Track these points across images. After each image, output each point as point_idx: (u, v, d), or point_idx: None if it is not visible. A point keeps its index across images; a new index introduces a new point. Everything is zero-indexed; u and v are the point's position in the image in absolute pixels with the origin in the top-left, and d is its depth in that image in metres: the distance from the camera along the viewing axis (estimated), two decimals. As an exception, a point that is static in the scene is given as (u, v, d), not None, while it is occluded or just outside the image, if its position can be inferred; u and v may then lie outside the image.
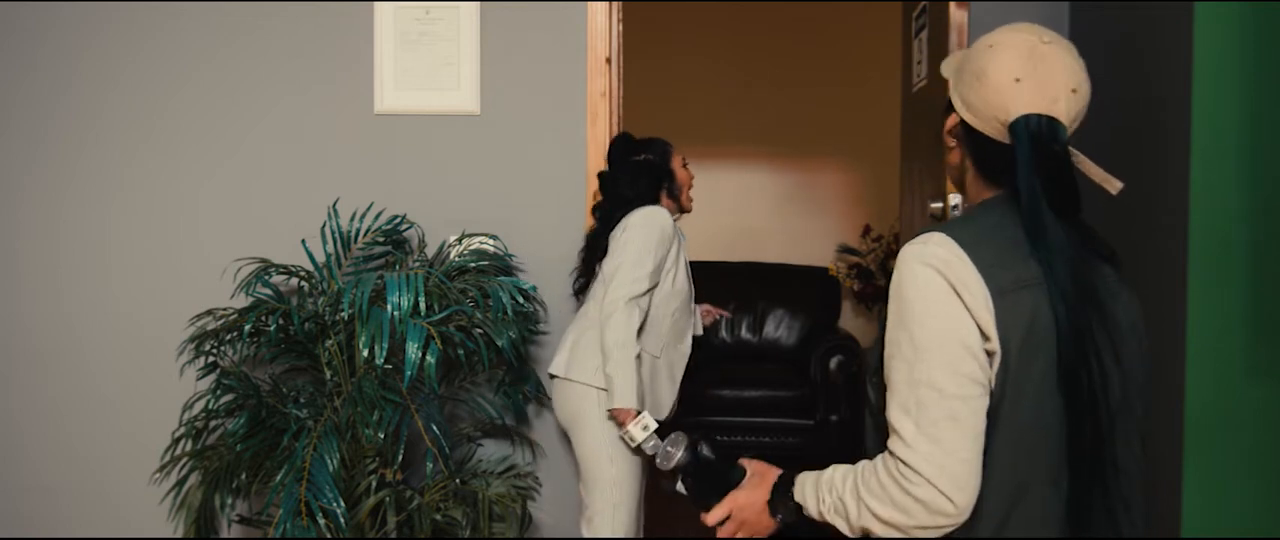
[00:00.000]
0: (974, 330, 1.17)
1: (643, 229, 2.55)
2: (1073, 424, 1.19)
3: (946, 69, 1.37)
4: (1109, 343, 1.21)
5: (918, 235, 1.25)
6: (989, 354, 1.19)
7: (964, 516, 1.17)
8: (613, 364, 2.43)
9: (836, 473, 1.30)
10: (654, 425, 2.38)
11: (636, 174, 2.70)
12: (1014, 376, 1.17)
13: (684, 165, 2.78)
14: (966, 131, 1.30)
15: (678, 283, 2.61)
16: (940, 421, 1.16)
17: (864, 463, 1.28)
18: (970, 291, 1.17)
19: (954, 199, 2.82)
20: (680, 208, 2.80)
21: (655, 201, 2.69)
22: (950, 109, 1.35)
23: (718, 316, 3.00)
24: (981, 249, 1.19)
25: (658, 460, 2.15)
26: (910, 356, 1.19)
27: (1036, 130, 1.21)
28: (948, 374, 1.16)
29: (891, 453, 1.20)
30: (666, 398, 2.62)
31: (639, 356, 2.51)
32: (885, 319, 1.28)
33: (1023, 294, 1.18)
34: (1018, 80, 1.22)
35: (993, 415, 1.18)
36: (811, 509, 1.32)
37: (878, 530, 1.22)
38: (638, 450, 2.43)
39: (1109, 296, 1.26)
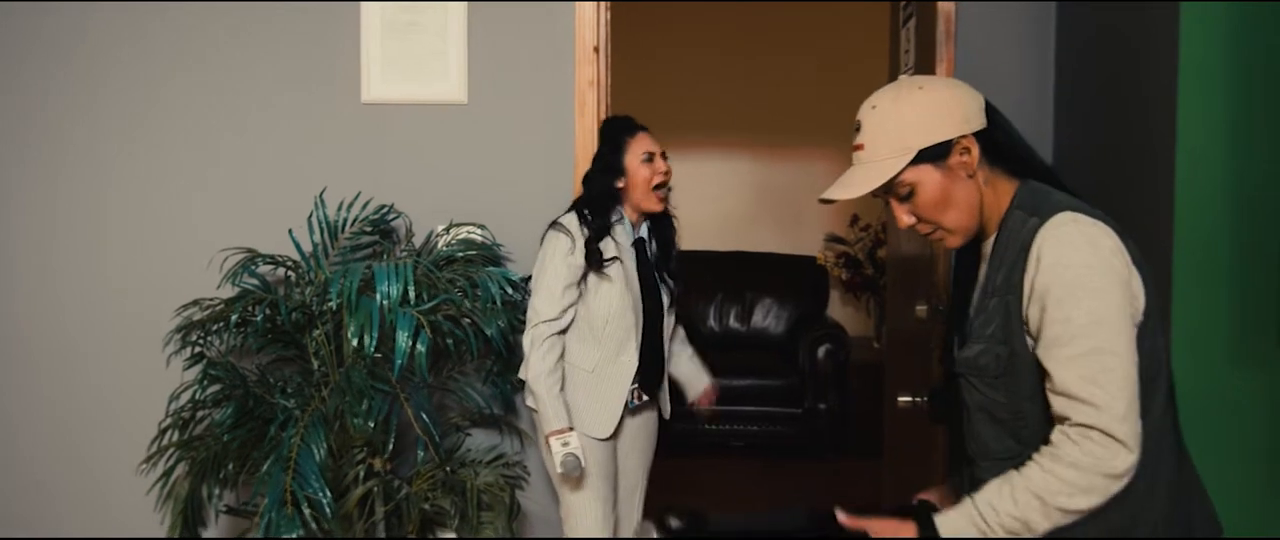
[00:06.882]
0: (1137, 295, 1.30)
1: (543, 257, 2.51)
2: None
3: (888, 155, 1.45)
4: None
5: (1053, 216, 1.32)
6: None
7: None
8: (534, 397, 2.48)
9: (993, 492, 1.31)
10: (568, 446, 2.39)
11: (591, 172, 2.57)
12: (1151, 330, 1.31)
13: (649, 157, 2.52)
14: (978, 137, 1.41)
15: (609, 298, 2.49)
16: (1127, 386, 1.25)
17: (1029, 465, 1.30)
18: (1128, 261, 1.30)
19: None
20: (637, 209, 2.58)
21: (617, 201, 2.54)
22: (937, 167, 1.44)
23: (708, 403, 2.90)
24: (1112, 225, 1.33)
25: (562, 470, 2.38)
26: (1088, 327, 1.25)
27: (990, 105, 1.45)
28: (1126, 341, 1.26)
29: (1083, 424, 1.25)
30: (611, 413, 2.53)
31: (570, 372, 2.51)
32: (1002, 313, 1.35)
33: (1144, 262, 1.33)
34: (953, 88, 1.44)
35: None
36: (978, 534, 1.31)
37: (1069, 511, 1.27)
38: (563, 462, 2.40)
39: None
